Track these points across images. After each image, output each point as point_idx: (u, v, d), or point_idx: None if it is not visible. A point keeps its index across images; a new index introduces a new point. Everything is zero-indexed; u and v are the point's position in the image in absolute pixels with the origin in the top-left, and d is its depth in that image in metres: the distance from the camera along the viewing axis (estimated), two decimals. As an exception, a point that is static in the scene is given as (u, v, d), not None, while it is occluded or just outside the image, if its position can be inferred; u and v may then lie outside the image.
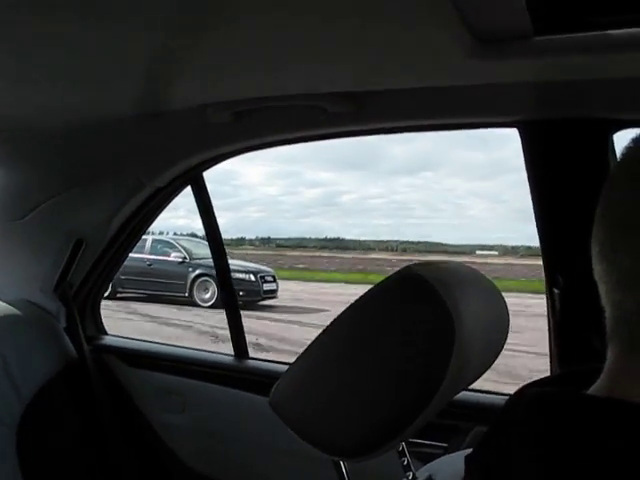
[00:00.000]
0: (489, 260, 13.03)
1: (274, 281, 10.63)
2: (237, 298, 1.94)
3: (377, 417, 0.75)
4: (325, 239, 16.72)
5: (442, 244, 15.59)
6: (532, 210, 1.35)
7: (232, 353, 1.93)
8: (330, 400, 0.79)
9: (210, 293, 10.04)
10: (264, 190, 22.06)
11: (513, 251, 13.88)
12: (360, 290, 0.83)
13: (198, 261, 10.42)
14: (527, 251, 13.13)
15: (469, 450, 0.52)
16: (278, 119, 1.55)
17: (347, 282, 12.19)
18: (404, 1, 0.96)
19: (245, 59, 1.28)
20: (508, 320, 0.93)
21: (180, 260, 10.74)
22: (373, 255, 15.25)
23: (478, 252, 13.98)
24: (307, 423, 0.81)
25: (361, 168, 24.01)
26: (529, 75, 1.21)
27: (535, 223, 1.37)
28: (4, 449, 1.65)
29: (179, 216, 14.81)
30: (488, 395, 1.58)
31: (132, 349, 2.07)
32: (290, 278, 12.79)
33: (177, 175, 1.78)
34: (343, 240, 16.74)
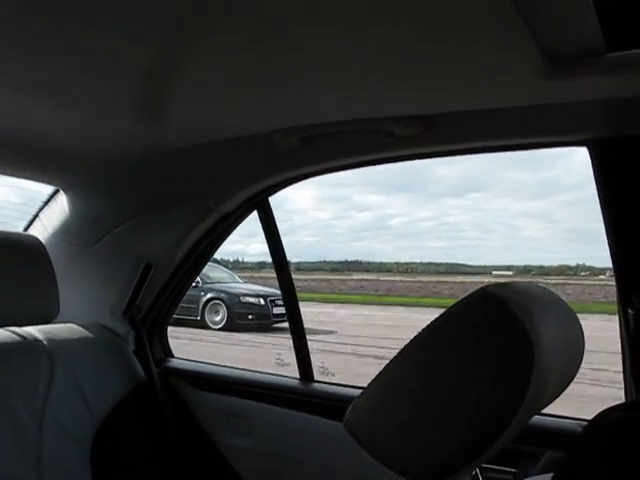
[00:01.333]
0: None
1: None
2: (303, 322, 1.95)
3: (453, 442, 0.74)
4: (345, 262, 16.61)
5: (462, 265, 15.40)
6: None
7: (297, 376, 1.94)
8: (406, 423, 0.78)
9: (220, 316, 10.32)
10: (315, 214, 22.19)
11: (525, 271, 13.73)
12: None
13: (210, 285, 10.70)
14: (557, 270, 13.02)
15: (543, 476, 0.51)
16: (345, 143, 1.57)
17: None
18: (472, 22, 0.98)
19: (312, 85, 1.31)
20: (583, 342, 0.91)
21: (194, 285, 10.72)
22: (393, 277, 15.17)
23: (494, 272, 13.86)
24: (382, 445, 0.80)
25: (408, 191, 23.91)
26: (600, 92, 1.20)
27: (607, 242, 1.35)
28: (80, 466, 1.70)
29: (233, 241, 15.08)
30: (558, 419, 1.55)
31: (198, 372, 2.10)
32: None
33: (244, 200, 1.82)
34: (362, 263, 16.60)
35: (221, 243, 2.00)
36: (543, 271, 13.27)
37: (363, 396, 0.85)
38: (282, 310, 10.34)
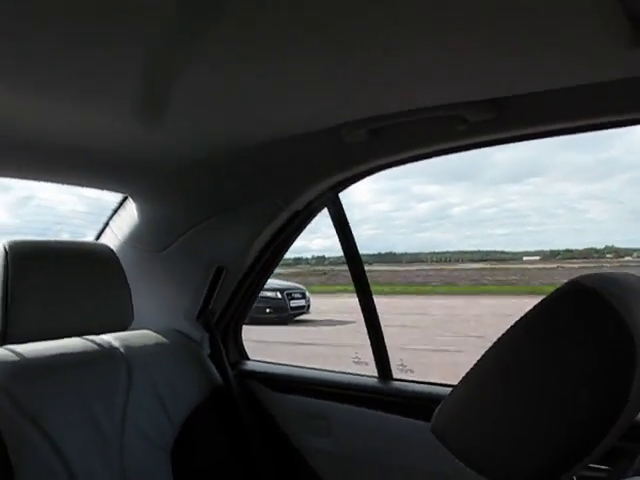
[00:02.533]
0: (529, 266, 13.04)
1: (303, 297, 11.05)
2: (379, 318, 1.90)
3: (552, 446, 0.69)
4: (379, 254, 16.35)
5: (495, 252, 15.08)
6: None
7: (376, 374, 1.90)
8: (499, 428, 0.74)
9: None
10: (375, 207, 22.11)
11: (552, 255, 13.42)
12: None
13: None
14: (583, 252, 12.81)
15: None
16: (415, 133, 1.52)
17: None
18: None
19: (379, 75, 1.26)
20: None
21: None
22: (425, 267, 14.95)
23: (525, 258, 13.63)
24: (475, 452, 0.76)
25: (466, 179, 23.63)
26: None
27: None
28: (162, 470, 1.70)
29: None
30: None
31: (274, 374, 2.08)
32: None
33: (314, 197, 1.78)
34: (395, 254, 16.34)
35: (292, 242, 1.96)
36: (570, 255, 12.96)
37: (450, 399, 0.80)
38: (299, 303, 10.79)
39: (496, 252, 15.12)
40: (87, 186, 1.96)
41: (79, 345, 1.66)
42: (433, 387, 1.77)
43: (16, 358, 1.51)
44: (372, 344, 1.91)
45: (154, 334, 1.92)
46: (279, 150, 1.69)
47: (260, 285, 2.06)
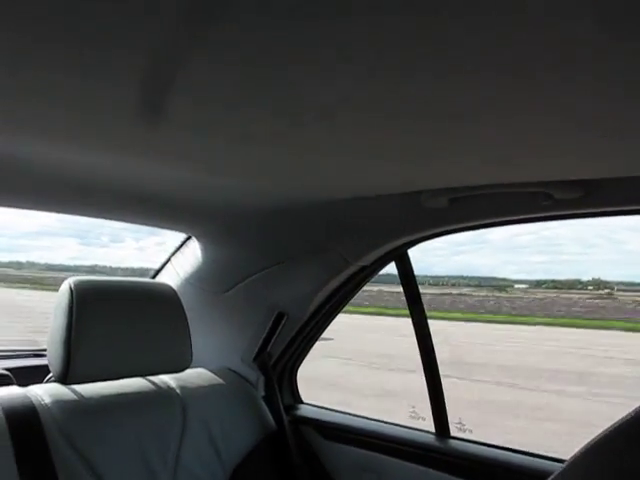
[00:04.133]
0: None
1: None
2: (439, 370, 1.87)
3: None
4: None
5: (506, 279, 14.72)
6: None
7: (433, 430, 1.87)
8: None
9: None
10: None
11: (538, 284, 13.22)
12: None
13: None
14: (567, 284, 12.45)
15: None
16: (496, 204, 1.49)
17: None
18: None
19: (465, 147, 1.23)
20: None
21: None
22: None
23: (516, 286, 13.38)
24: None
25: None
26: None
27: None
28: None
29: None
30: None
31: (327, 421, 2.07)
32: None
33: (383, 254, 1.77)
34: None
35: (356, 293, 1.96)
36: (554, 285, 12.71)
37: None
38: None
39: (491, 278, 14.80)
40: (154, 225, 1.98)
41: (136, 385, 1.67)
42: (494, 450, 1.74)
43: (75, 397, 1.53)
44: (430, 398, 1.88)
45: (210, 374, 1.92)
46: (352, 208, 1.67)
47: (320, 332, 2.05)
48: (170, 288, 1.72)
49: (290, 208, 1.75)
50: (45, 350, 2.28)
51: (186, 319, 1.67)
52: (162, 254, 2.22)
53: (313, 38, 0.70)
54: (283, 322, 1.95)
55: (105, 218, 1.96)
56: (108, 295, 1.57)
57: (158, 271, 2.18)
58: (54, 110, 1.02)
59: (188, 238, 2.08)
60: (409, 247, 1.78)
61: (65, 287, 1.50)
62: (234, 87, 0.90)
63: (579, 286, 12.19)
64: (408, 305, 1.86)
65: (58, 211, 1.88)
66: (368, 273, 1.86)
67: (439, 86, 0.88)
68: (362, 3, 0.63)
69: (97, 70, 0.83)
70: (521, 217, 1.54)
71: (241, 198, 1.73)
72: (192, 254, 2.06)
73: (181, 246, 2.11)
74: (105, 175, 1.50)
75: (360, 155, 1.30)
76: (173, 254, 2.14)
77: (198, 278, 2.06)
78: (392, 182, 1.52)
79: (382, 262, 1.82)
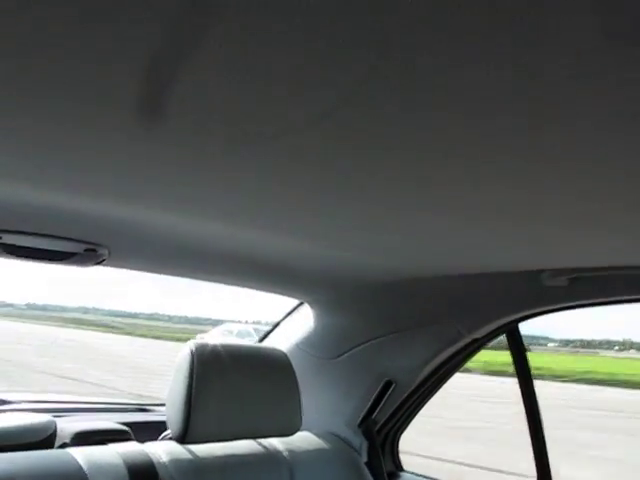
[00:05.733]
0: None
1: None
2: (548, 455, 1.85)
3: None
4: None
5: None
6: None
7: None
8: None
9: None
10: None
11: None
12: None
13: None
14: None
15: None
16: (618, 283, 1.53)
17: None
18: None
19: (588, 228, 1.26)
20: None
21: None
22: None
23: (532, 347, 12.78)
24: None
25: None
26: None
27: None
28: None
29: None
30: None
31: None
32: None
33: (496, 327, 1.81)
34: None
35: (465, 363, 1.99)
36: None
37: None
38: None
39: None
40: (267, 291, 2.06)
41: (246, 447, 1.72)
42: None
43: (190, 457, 1.58)
44: (536, 458, 1.86)
45: (315, 438, 1.95)
46: (469, 283, 1.72)
47: (426, 400, 2.08)
48: (283, 354, 1.78)
49: (405, 281, 1.81)
50: (151, 405, 2.37)
51: (297, 385, 1.73)
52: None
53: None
54: (390, 390, 1.99)
55: (220, 282, 2.06)
56: (226, 359, 1.63)
57: (267, 334, 2.26)
58: (176, 186, 1.12)
59: (300, 304, 2.15)
60: (522, 321, 1.81)
61: (186, 350, 1.58)
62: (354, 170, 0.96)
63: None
64: (518, 378, 1.88)
65: (173, 274, 1.98)
66: (479, 345, 1.89)
67: (582, 177, 0.90)
68: None
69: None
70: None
71: (355, 270, 1.80)
72: (303, 320, 2.13)
73: (292, 311, 2.19)
74: (218, 242, 1.60)
75: (487, 236, 1.36)
76: (284, 319, 2.22)
77: (308, 344, 2.12)
78: (515, 261, 1.57)
79: (494, 334, 1.85)
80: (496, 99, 0.66)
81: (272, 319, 2.31)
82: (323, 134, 0.80)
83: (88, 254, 1.61)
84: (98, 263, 1.68)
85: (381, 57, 0.59)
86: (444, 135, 0.78)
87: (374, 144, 0.84)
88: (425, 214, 1.20)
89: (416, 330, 1.89)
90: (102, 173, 1.07)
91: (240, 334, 17.70)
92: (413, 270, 1.74)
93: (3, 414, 1.83)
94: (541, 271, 1.57)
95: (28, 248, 1.54)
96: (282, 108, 0.73)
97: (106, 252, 1.62)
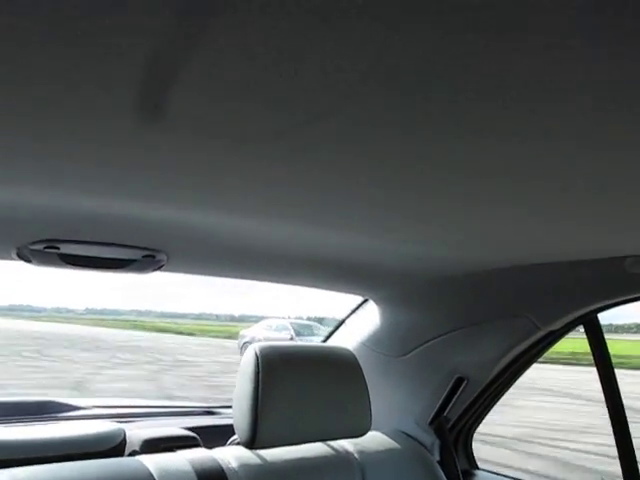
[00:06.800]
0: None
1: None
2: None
3: None
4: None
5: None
6: None
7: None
8: None
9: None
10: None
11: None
12: None
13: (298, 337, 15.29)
14: None
15: None
16: None
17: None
18: None
19: None
20: None
21: (289, 337, 16.20)
22: None
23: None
24: None
25: None
26: None
27: None
28: None
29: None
30: None
31: None
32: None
33: (574, 318, 1.73)
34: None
35: (541, 356, 1.91)
36: None
37: None
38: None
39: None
40: (331, 289, 2.01)
41: (316, 451, 1.68)
42: None
43: (260, 462, 1.55)
44: (620, 456, 1.76)
45: (385, 438, 1.91)
46: (545, 273, 1.64)
47: (499, 395, 2.02)
48: (350, 352, 1.73)
49: (475, 273, 1.75)
50: (217, 407, 2.36)
51: (366, 384, 1.68)
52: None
53: None
54: (462, 386, 1.93)
55: (282, 283, 2.02)
56: (292, 360, 1.59)
57: (332, 332, 2.22)
58: (236, 187, 1.08)
59: (365, 301, 2.10)
60: (601, 311, 1.72)
61: (250, 353, 1.54)
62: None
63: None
64: (598, 372, 1.79)
65: (233, 277, 1.95)
66: (555, 337, 1.82)
67: None
68: None
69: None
70: None
71: (425, 264, 1.74)
72: (369, 317, 2.09)
73: (357, 308, 2.14)
74: (282, 242, 1.56)
75: (566, 221, 1.28)
76: (348, 316, 2.17)
77: (375, 341, 2.07)
78: (595, 247, 1.49)
79: (572, 326, 1.77)
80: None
81: (312, 314, 2.28)
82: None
83: (147, 260, 1.59)
84: (157, 269, 1.67)
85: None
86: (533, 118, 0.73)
87: (458, 138, 0.80)
88: (505, 204, 1.14)
89: (488, 324, 1.82)
90: (159, 179, 1.05)
91: (278, 328, 18.53)
92: (486, 262, 1.67)
93: (74, 422, 1.83)
94: (625, 257, 1.49)
95: (87, 257, 1.52)
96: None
97: (165, 257, 1.60)
